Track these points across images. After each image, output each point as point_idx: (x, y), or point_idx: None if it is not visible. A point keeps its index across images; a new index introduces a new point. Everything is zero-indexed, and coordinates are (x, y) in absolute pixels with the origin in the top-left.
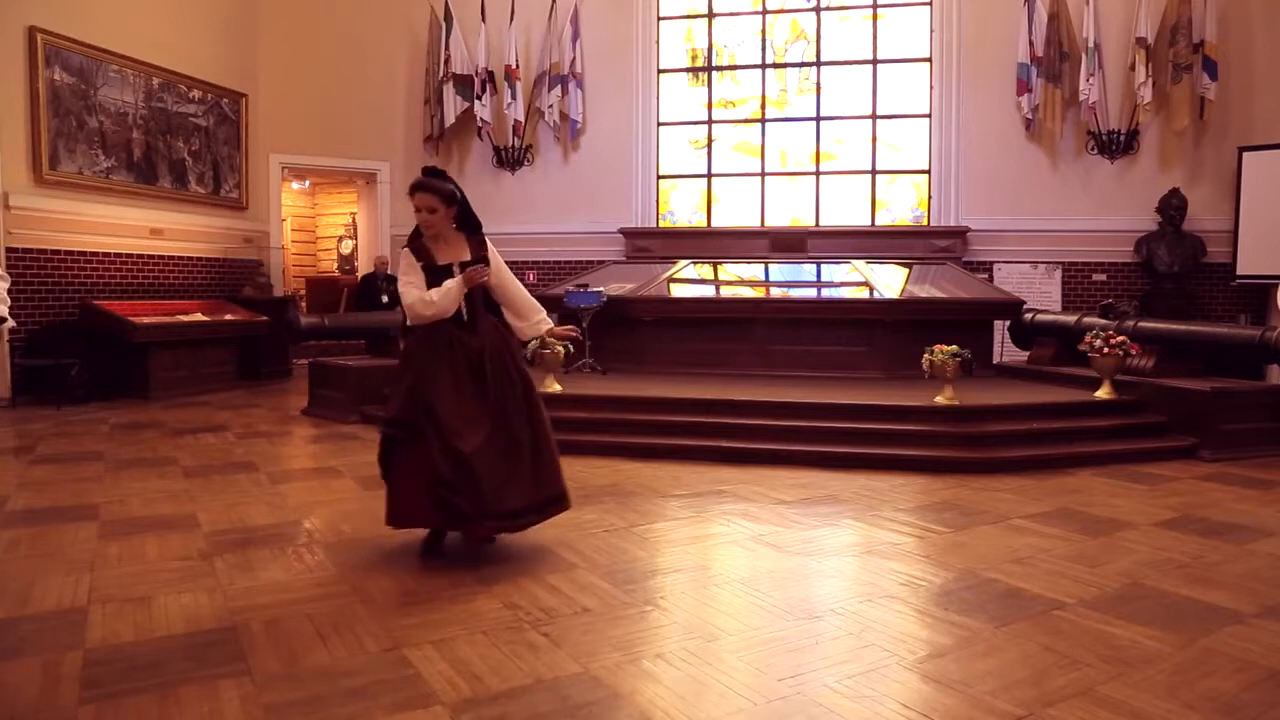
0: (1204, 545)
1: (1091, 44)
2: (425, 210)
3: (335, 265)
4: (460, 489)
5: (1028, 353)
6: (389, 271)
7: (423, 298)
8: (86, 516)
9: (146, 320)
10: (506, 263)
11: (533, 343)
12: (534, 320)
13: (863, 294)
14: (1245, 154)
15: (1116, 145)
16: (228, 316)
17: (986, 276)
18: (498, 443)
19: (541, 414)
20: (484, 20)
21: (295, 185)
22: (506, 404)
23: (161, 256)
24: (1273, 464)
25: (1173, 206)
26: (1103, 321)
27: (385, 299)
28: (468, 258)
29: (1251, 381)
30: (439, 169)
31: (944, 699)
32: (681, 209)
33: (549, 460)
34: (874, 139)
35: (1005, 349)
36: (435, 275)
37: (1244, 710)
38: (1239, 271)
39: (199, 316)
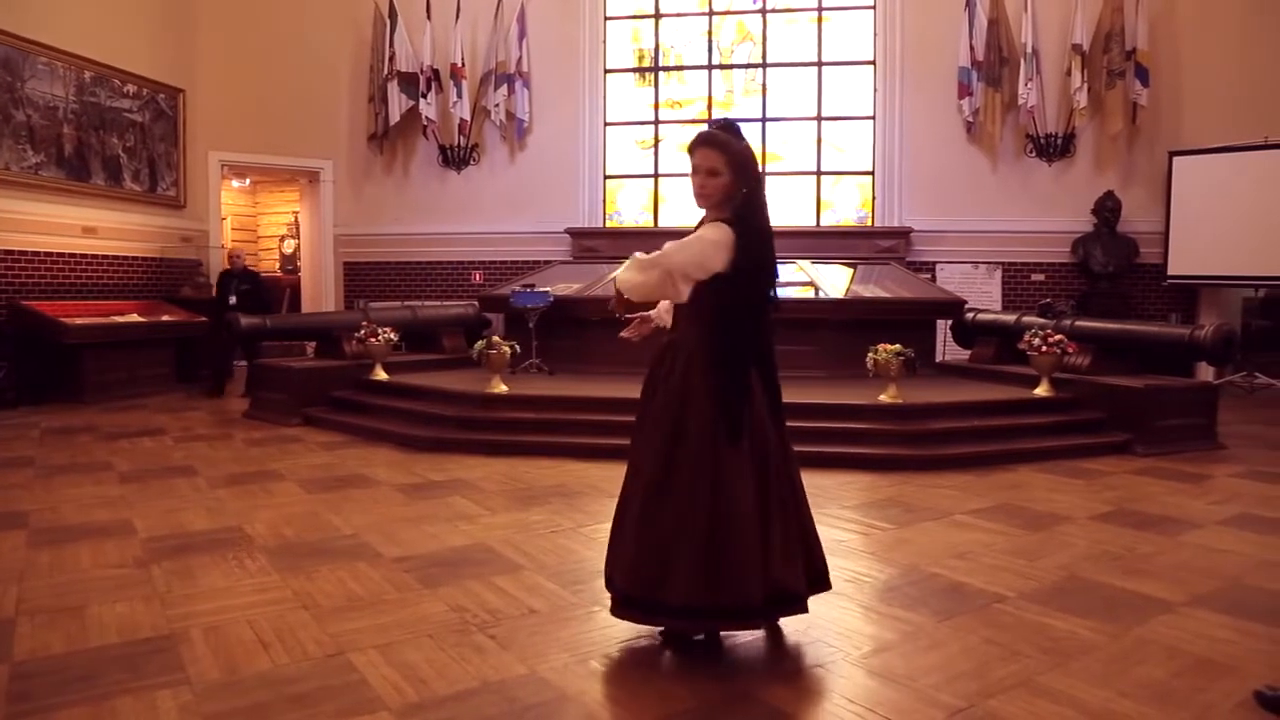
0: (1137, 538)
1: (1030, 49)
2: (704, 172)
3: (277, 265)
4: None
5: (969, 351)
6: (244, 267)
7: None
8: (15, 524)
9: (79, 321)
10: (453, 264)
11: (479, 343)
12: None
13: (808, 294)
14: (1175, 158)
15: (1054, 148)
16: (165, 317)
17: (929, 277)
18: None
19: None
20: (429, 18)
21: (235, 183)
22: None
23: (95, 256)
24: (1202, 458)
25: (1107, 208)
26: (1041, 321)
27: (234, 299)
28: None
29: (1182, 379)
30: (735, 124)
31: (889, 693)
32: (629, 209)
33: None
34: (819, 140)
35: (948, 348)
36: None
37: (1174, 695)
38: (1170, 272)
39: (135, 317)
